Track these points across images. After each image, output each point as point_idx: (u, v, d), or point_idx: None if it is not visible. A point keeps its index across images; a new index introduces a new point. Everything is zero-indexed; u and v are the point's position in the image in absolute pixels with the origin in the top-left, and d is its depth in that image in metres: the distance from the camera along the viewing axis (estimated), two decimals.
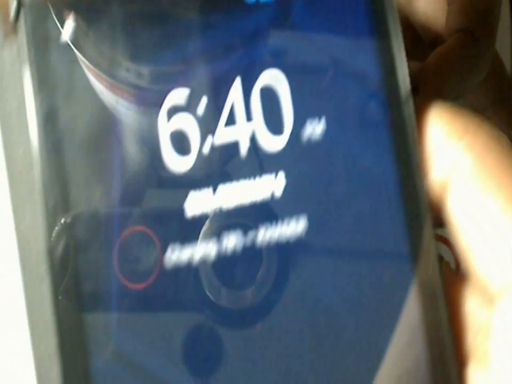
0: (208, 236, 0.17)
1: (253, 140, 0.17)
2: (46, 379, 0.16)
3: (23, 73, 0.16)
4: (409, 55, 0.34)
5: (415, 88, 0.30)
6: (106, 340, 0.16)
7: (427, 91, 0.30)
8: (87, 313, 0.16)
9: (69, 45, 0.16)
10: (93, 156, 0.16)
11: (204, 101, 0.17)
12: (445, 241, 0.31)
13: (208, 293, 0.16)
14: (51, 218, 0.16)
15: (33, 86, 0.16)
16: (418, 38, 0.34)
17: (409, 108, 0.17)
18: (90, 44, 0.16)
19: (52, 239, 0.16)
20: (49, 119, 0.16)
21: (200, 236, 0.16)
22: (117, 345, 0.16)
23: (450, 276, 0.17)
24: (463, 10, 0.30)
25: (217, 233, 0.17)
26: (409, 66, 0.16)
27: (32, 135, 0.16)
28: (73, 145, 0.16)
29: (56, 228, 0.16)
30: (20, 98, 0.17)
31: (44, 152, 0.16)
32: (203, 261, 0.16)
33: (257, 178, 0.17)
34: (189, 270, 0.16)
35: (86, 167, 0.16)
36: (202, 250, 0.16)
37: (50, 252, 0.16)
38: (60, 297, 0.16)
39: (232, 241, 0.17)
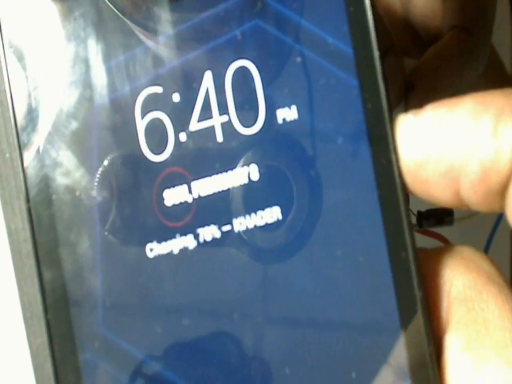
0: (243, 165, 0.17)
1: (226, 131, 0.17)
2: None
3: None
4: (408, 53, 0.34)
5: (411, 85, 0.30)
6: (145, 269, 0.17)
7: (422, 88, 0.29)
8: (128, 247, 0.17)
9: None
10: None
11: (177, 96, 0.17)
12: (442, 238, 0.31)
13: (237, 228, 0.17)
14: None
15: None
16: (418, 36, 0.33)
17: (383, 94, 0.16)
18: None
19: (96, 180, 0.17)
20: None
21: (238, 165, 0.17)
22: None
23: (425, 251, 0.17)
24: (459, 7, 0.30)
25: (248, 163, 0.17)
26: (386, 50, 0.16)
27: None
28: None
29: (100, 169, 0.17)
30: None
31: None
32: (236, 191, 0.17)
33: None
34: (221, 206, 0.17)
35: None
36: (235, 180, 0.17)
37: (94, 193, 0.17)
38: (106, 233, 0.17)
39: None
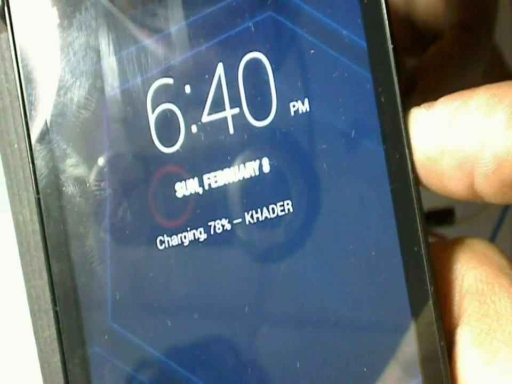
0: (255, 157, 0.17)
1: (238, 123, 0.17)
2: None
3: None
4: (410, 52, 0.34)
5: (412, 84, 0.30)
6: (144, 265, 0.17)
7: (425, 86, 0.29)
8: (139, 239, 0.17)
9: None
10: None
11: (188, 88, 0.17)
12: (443, 239, 0.31)
13: (248, 220, 0.17)
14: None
15: None
16: (419, 34, 0.33)
17: (397, 88, 0.16)
18: None
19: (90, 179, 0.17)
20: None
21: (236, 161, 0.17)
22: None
23: (437, 245, 0.17)
24: (460, 6, 0.30)
25: (245, 161, 0.17)
26: (398, 44, 0.16)
27: None
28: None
29: (110, 160, 0.17)
30: None
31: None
32: (234, 186, 0.17)
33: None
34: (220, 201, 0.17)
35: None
36: (246, 172, 0.17)
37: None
38: (116, 225, 0.17)
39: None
